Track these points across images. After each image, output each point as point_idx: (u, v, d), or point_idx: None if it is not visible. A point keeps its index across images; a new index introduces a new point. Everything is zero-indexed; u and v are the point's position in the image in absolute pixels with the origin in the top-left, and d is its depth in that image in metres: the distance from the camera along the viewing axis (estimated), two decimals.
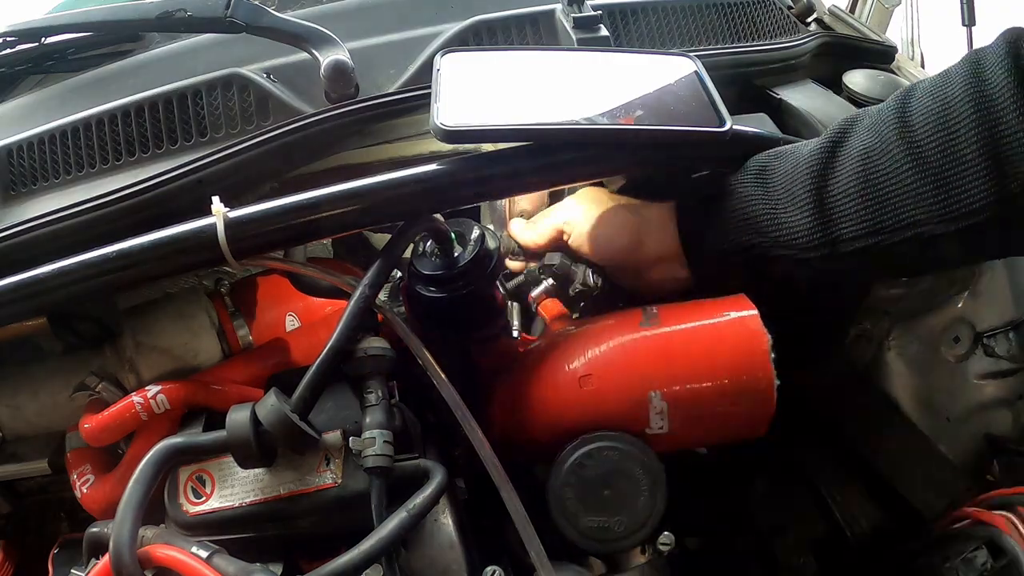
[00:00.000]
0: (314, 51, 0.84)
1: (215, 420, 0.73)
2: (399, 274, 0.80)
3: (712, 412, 0.70)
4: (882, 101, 0.97)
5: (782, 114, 0.95)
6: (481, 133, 0.68)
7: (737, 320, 0.71)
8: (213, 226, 0.65)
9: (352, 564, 0.57)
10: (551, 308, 0.91)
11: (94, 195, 0.76)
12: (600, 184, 0.90)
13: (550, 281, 0.86)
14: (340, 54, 0.82)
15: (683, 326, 0.72)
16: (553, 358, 0.74)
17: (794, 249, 0.68)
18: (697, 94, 0.72)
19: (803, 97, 0.97)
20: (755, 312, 0.71)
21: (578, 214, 0.83)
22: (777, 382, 0.68)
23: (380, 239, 1.06)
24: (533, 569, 0.60)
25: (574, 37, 0.86)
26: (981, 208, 0.56)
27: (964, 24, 1.79)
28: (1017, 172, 0.54)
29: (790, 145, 0.72)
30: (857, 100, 1.01)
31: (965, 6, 1.76)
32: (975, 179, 0.55)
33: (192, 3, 0.87)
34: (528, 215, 0.98)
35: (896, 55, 1.16)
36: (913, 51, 1.66)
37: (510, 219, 0.99)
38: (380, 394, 0.65)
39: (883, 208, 0.61)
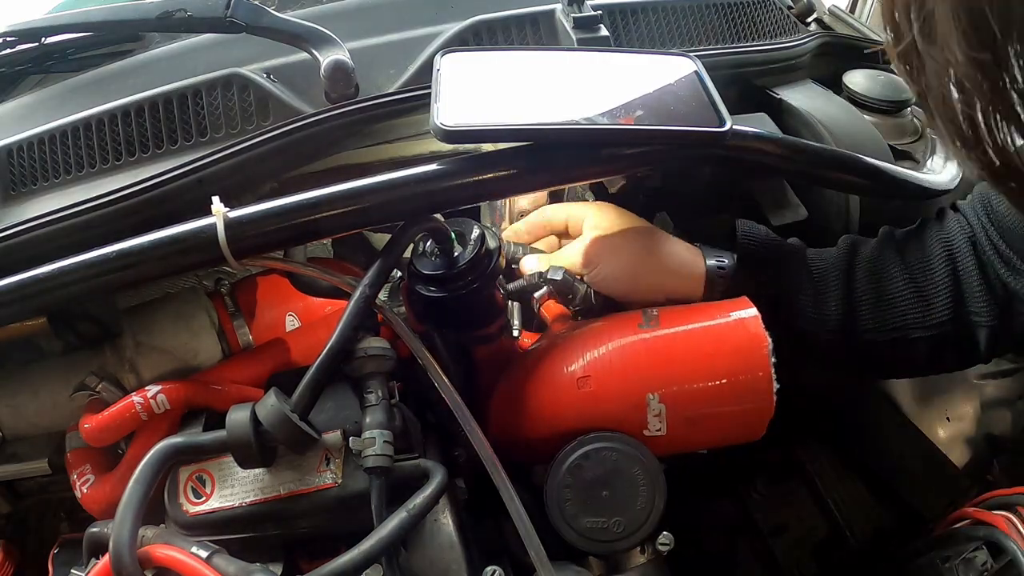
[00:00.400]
0: (314, 51, 0.83)
1: (215, 420, 0.73)
2: (399, 274, 0.80)
3: (710, 415, 0.70)
4: (882, 101, 0.99)
5: (782, 114, 0.95)
6: (481, 133, 0.68)
7: (738, 322, 0.71)
8: (213, 226, 0.65)
9: (352, 564, 0.57)
10: (553, 309, 0.91)
11: (94, 195, 0.76)
12: (610, 199, 0.90)
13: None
14: (340, 54, 0.82)
15: (682, 328, 0.72)
16: (552, 359, 0.74)
17: (823, 329, 0.79)
18: (697, 94, 0.72)
19: (803, 97, 0.97)
20: (756, 314, 0.71)
21: (596, 253, 0.82)
22: (776, 386, 0.68)
23: (380, 239, 1.06)
24: (533, 569, 0.60)
25: (574, 37, 0.86)
26: (945, 321, 0.76)
27: None
28: (967, 299, 0.76)
29: (816, 249, 0.84)
30: (857, 100, 1.01)
31: None
32: (944, 298, 0.77)
33: (192, 3, 0.87)
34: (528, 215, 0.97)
35: None
36: None
37: (510, 220, 0.99)
38: (380, 394, 0.65)
39: (886, 310, 0.78)
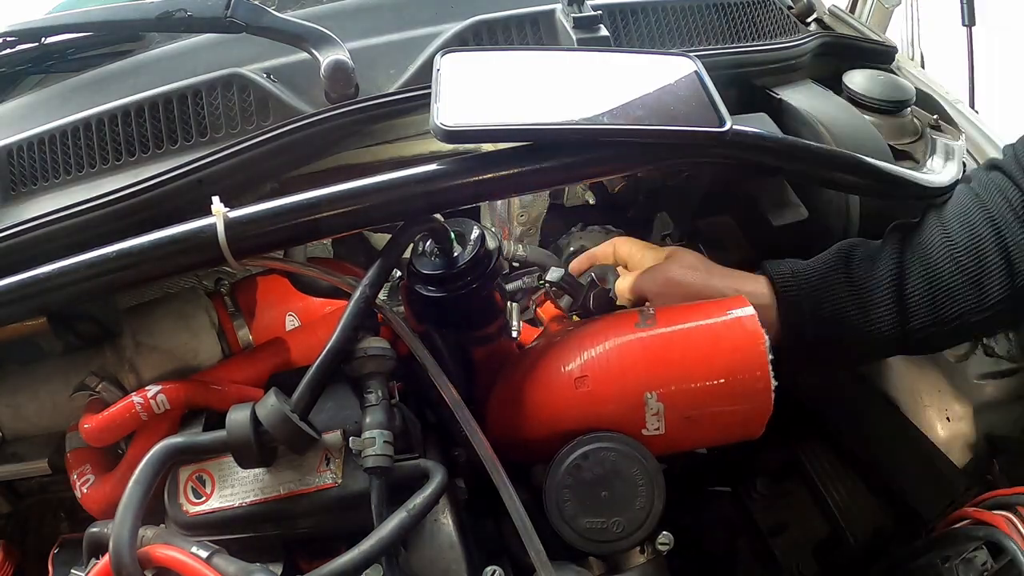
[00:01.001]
0: (314, 51, 0.84)
1: (215, 420, 0.73)
2: (399, 273, 0.80)
3: (708, 413, 0.69)
4: (882, 101, 0.99)
5: (782, 114, 0.95)
6: (481, 133, 0.68)
7: (734, 320, 0.71)
8: (213, 226, 0.65)
9: (352, 564, 0.57)
10: (549, 309, 0.91)
11: (94, 195, 0.76)
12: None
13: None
14: (340, 54, 0.82)
15: (679, 327, 0.71)
16: (549, 359, 0.74)
17: (879, 339, 0.78)
18: (697, 94, 0.72)
19: (803, 97, 0.97)
20: (752, 312, 0.71)
21: (665, 292, 0.83)
22: (774, 383, 0.68)
23: (380, 239, 1.06)
24: (533, 569, 0.60)
25: (574, 37, 0.86)
26: (1002, 299, 0.75)
27: (964, 24, 1.79)
28: (1020, 271, 0.74)
29: (864, 248, 0.82)
30: (857, 100, 1.01)
31: (965, 6, 1.76)
32: (997, 277, 0.75)
33: (192, 3, 0.87)
34: (528, 216, 0.98)
35: (896, 55, 1.16)
36: (913, 51, 1.66)
37: (510, 219, 0.99)
38: (380, 394, 0.65)
39: (941, 304, 0.76)
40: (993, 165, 0.80)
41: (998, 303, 0.75)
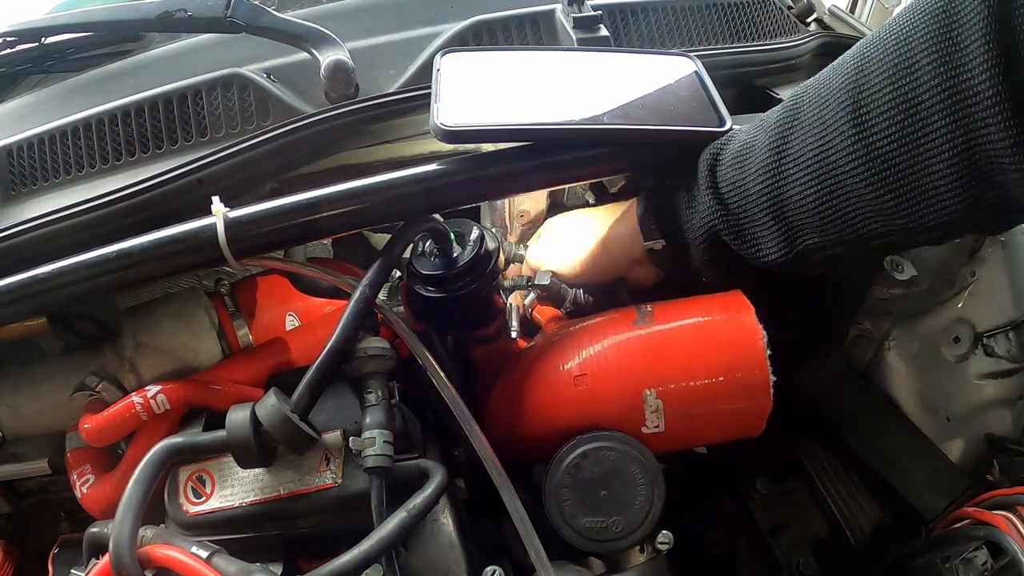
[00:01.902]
0: (314, 51, 0.84)
1: (215, 420, 0.73)
2: (399, 274, 0.80)
3: (708, 410, 0.70)
4: None
5: None
6: (481, 133, 0.68)
7: (732, 317, 0.71)
8: (213, 226, 0.65)
9: (352, 564, 0.58)
10: (545, 310, 0.91)
11: (94, 195, 0.76)
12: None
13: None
14: (340, 54, 0.82)
15: (677, 323, 0.72)
16: (548, 358, 0.74)
17: (766, 261, 0.65)
18: (697, 94, 0.72)
19: None
20: (751, 309, 0.71)
21: (541, 255, 0.88)
22: (773, 379, 0.68)
23: (380, 239, 1.06)
24: (533, 569, 0.60)
25: (574, 37, 0.86)
26: (952, 220, 0.50)
27: None
28: (996, 182, 0.46)
29: (739, 141, 0.65)
30: None
31: None
32: (946, 191, 0.48)
33: (192, 3, 0.87)
34: (528, 216, 0.98)
35: None
36: None
37: (510, 219, 0.99)
38: (380, 394, 0.66)
39: (844, 222, 0.56)
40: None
41: (945, 223, 0.50)
